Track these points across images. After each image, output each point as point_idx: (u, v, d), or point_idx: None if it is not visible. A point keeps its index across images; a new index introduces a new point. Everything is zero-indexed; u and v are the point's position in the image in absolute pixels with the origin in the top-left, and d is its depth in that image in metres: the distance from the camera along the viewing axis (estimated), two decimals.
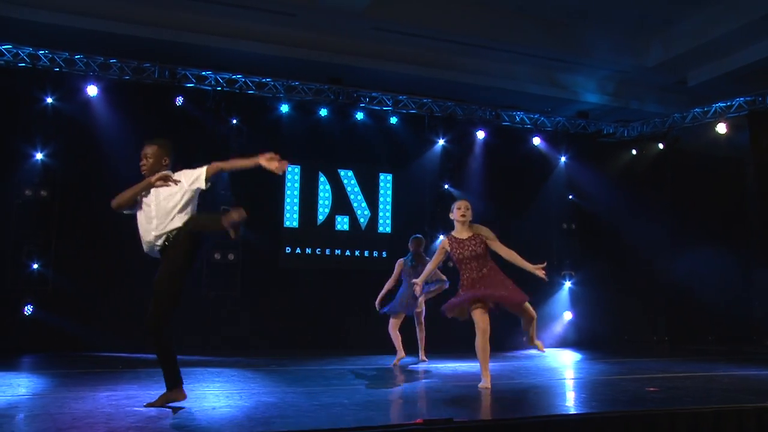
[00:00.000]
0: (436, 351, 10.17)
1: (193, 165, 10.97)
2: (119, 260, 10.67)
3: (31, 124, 10.51)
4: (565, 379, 8.60)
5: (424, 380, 7.73)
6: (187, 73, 11.20)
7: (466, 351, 9.67)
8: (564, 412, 5.73)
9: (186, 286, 5.58)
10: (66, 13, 10.06)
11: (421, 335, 9.36)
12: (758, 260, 11.88)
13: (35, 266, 10.42)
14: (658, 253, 13.02)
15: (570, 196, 13.94)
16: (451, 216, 6.94)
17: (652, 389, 6.88)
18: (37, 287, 10.40)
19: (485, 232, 6.92)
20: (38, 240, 10.48)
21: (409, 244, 9.34)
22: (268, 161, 5.48)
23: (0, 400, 5.75)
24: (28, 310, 10.28)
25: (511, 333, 12.18)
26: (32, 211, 10.50)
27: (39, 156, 10.54)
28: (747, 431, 5.24)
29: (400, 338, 9.14)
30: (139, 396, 5.96)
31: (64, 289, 10.43)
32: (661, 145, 13.58)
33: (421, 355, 9.38)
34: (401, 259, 9.28)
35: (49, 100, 10.60)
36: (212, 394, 6.31)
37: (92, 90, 10.74)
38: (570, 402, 6.54)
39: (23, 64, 10.43)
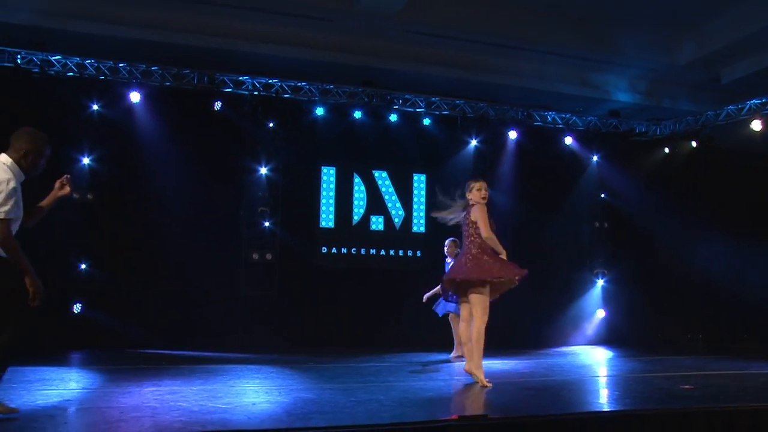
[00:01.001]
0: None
1: (231, 167, 11.18)
2: (162, 260, 10.84)
3: (79, 130, 10.74)
4: (598, 376, 8.53)
5: (458, 377, 7.72)
6: (225, 78, 11.31)
7: (502, 348, 9.69)
8: (598, 409, 5.70)
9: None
10: (110, 24, 10.26)
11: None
12: None
13: (83, 266, 10.66)
14: (692, 250, 12.79)
15: (602, 195, 13.79)
16: (471, 196, 7.31)
17: (686, 387, 6.80)
18: (84, 286, 10.63)
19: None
20: (85, 241, 10.71)
21: (445, 248, 9.44)
22: (60, 190, 5.52)
23: (53, 394, 5.90)
24: (77, 308, 10.52)
25: (542, 330, 12.17)
26: (80, 213, 10.72)
27: (86, 161, 10.78)
28: None
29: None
30: (182, 391, 6.05)
31: (110, 288, 10.61)
32: (694, 143, 13.31)
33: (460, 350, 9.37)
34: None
35: (95, 107, 10.82)
36: (252, 390, 6.38)
37: (135, 96, 10.91)
38: (603, 399, 6.49)
39: (71, 74, 10.64)
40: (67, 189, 5.44)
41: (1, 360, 4.96)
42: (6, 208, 4.82)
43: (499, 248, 6.82)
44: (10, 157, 5.16)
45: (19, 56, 10.33)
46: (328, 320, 11.43)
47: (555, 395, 6.56)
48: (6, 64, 10.27)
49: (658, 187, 13.47)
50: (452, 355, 9.50)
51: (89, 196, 10.78)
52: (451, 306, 9.16)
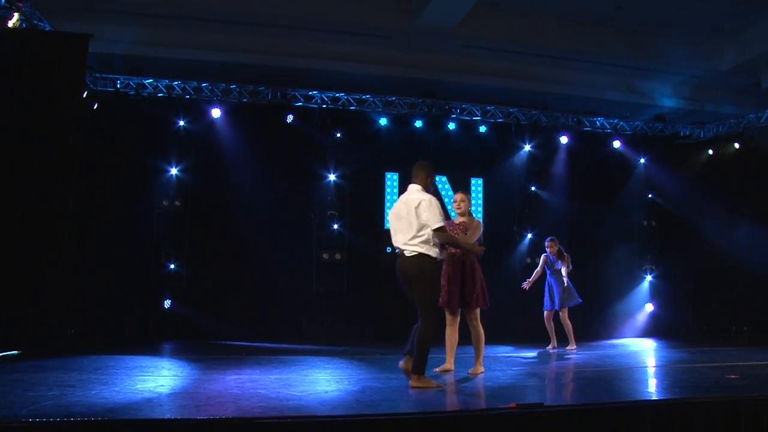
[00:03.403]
0: (525, 339, 10.05)
1: (302, 174, 11.33)
2: (241, 260, 11.07)
3: (167, 144, 11.10)
4: (647, 366, 8.31)
5: (516, 367, 7.63)
6: (296, 93, 11.47)
7: (557, 340, 9.54)
8: (648, 398, 5.56)
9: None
10: (195, 49, 10.66)
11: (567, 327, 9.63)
12: None
13: (172, 266, 10.96)
14: (735, 246, 12.38)
15: (650, 195, 13.46)
16: (455, 206, 7.03)
17: (733, 376, 6.56)
18: (173, 284, 10.93)
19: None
20: (174, 243, 11.03)
21: (547, 246, 9.46)
22: None
23: (148, 379, 6.07)
24: (167, 303, 10.81)
25: (594, 323, 11.92)
26: (169, 219, 11.07)
27: (173, 171, 11.09)
28: None
29: (553, 328, 9.60)
30: (261, 380, 6.14)
31: (195, 285, 10.91)
32: (737, 145, 12.93)
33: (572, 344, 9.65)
34: (543, 254, 9.69)
35: (181, 123, 11.14)
36: (324, 379, 6.42)
37: (216, 112, 11.18)
38: (653, 388, 6.31)
39: (161, 94, 11.00)
40: None
41: (426, 343, 5.60)
42: (441, 218, 5.73)
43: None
44: (419, 185, 6.04)
45: (118, 82, 10.77)
46: (393, 315, 11.40)
47: (607, 384, 6.42)
48: (108, 89, 10.71)
49: (703, 186, 13.10)
50: (568, 347, 9.58)
51: (177, 204, 11.08)
52: (548, 304, 9.54)
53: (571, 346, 9.60)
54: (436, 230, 5.69)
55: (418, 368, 5.59)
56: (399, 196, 11.87)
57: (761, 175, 12.41)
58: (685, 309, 12.86)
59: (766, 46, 11.09)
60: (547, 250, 9.65)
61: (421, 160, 6.26)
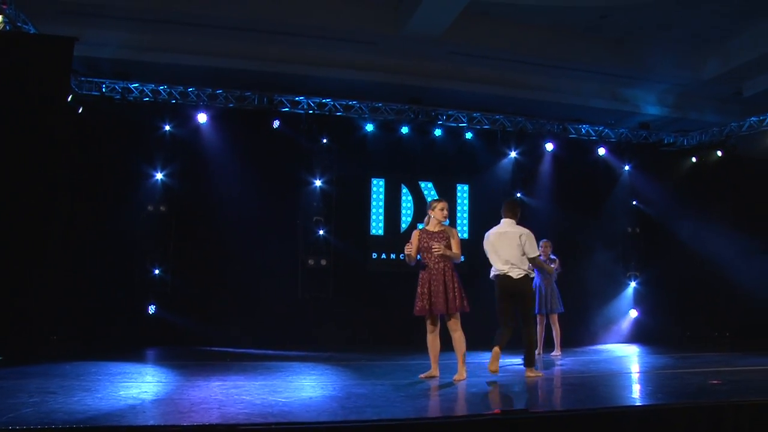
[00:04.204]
0: (509, 345, 10.06)
1: (288, 180, 11.35)
2: (227, 265, 11.03)
3: (152, 148, 11.03)
4: (631, 372, 8.36)
5: (501, 374, 7.64)
6: (283, 99, 11.45)
7: (542, 346, 9.56)
8: (632, 404, 5.59)
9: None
10: (181, 54, 10.63)
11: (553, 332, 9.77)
12: None
13: (156, 271, 10.89)
14: (718, 254, 12.52)
15: (634, 202, 13.54)
16: (435, 213, 6.87)
17: (715, 382, 6.62)
18: (158, 289, 10.86)
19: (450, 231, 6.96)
20: (158, 249, 10.96)
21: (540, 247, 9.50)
22: None
23: (132, 386, 6.02)
24: (151, 309, 10.74)
25: (579, 329, 11.98)
26: (153, 224, 11.00)
27: (159, 176, 11.03)
28: None
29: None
30: (246, 386, 6.12)
31: (180, 291, 10.85)
32: (719, 153, 13.10)
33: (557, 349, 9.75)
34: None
35: (167, 127, 11.09)
36: (309, 385, 6.41)
37: (202, 117, 11.14)
38: (637, 394, 6.35)
39: (147, 99, 10.95)
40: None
41: (533, 343, 7.27)
42: (537, 248, 7.31)
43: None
44: (513, 219, 7.29)
45: (103, 86, 10.72)
46: (378, 321, 11.43)
47: (591, 390, 6.44)
48: (93, 93, 10.65)
49: (686, 194, 13.26)
50: (554, 353, 9.65)
51: (162, 208, 11.03)
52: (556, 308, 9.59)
53: (557, 352, 9.64)
54: (532, 258, 7.17)
55: (531, 362, 7.18)
56: (384, 201, 11.93)
57: (743, 182, 12.58)
58: (669, 315, 12.97)
59: (748, 56, 11.26)
60: (540, 251, 9.65)
61: (513, 198, 8.10)
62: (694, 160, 13.59)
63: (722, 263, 12.56)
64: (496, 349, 6.87)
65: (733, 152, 12.85)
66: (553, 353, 9.61)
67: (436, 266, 6.71)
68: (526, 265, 7.12)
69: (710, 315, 13.06)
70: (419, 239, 6.80)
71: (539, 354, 9.54)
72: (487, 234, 7.35)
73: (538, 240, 9.25)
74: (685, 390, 6.22)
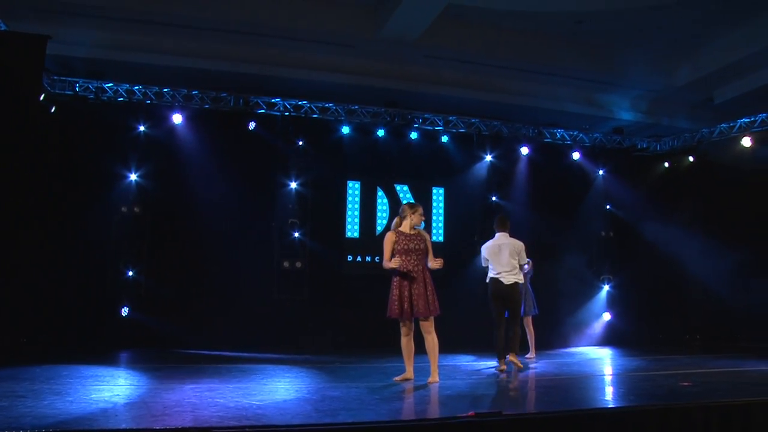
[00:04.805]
0: (484, 349, 10.12)
1: (264, 182, 11.30)
2: (201, 267, 10.96)
3: (127, 149, 10.91)
4: (604, 375, 8.45)
5: (475, 377, 7.69)
6: (259, 100, 11.41)
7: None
8: (604, 406, 5.65)
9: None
10: (157, 54, 10.53)
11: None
12: None
13: (130, 273, 10.76)
14: (690, 258, 12.74)
15: (607, 206, 13.70)
16: (414, 218, 6.91)
17: (686, 384, 6.73)
18: (131, 291, 10.74)
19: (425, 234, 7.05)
20: (133, 250, 10.84)
21: None
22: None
23: (104, 389, 5.96)
24: (125, 311, 10.61)
25: (553, 332, 12.08)
26: (127, 225, 10.88)
27: (133, 177, 10.92)
28: None
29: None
30: (219, 389, 6.09)
31: (154, 293, 10.73)
32: (691, 158, 13.30)
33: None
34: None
35: (142, 128, 10.97)
36: (283, 388, 6.40)
37: (177, 118, 11.04)
38: (610, 396, 6.42)
39: (121, 99, 10.83)
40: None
41: (518, 336, 8.28)
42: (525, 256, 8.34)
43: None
44: (507, 233, 8.35)
45: (77, 85, 10.58)
46: (354, 323, 11.41)
47: (565, 393, 6.51)
48: (67, 92, 10.51)
49: (658, 198, 13.44)
50: (528, 355, 9.70)
51: (136, 209, 10.91)
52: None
53: (531, 354, 9.71)
54: (521, 265, 8.32)
55: (515, 350, 8.19)
56: (360, 204, 11.89)
57: (714, 188, 12.77)
58: (641, 318, 13.12)
59: (719, 64, 11.46)
60: None
61: (503, 214, 9.02)
62: (666, 165, 13.79)
63: (693, 267, 12.77)
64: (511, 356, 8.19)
65: (704, 158, 13.04)
66: (528, 356, 9.67)
67: (417, 269, 6.73)
68: (519, 272, 8.18)
69: (682, 318, 13.26)
70: (397, 241, 6.79)
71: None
72: (485, 246, 8.39)
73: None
74: (657, 392, 6.31)
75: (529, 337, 9.80)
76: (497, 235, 8.35)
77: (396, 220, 7.02)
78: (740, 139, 12.07)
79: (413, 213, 6.93)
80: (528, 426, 4.57)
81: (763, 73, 11.44)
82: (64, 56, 10.20)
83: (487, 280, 8.31)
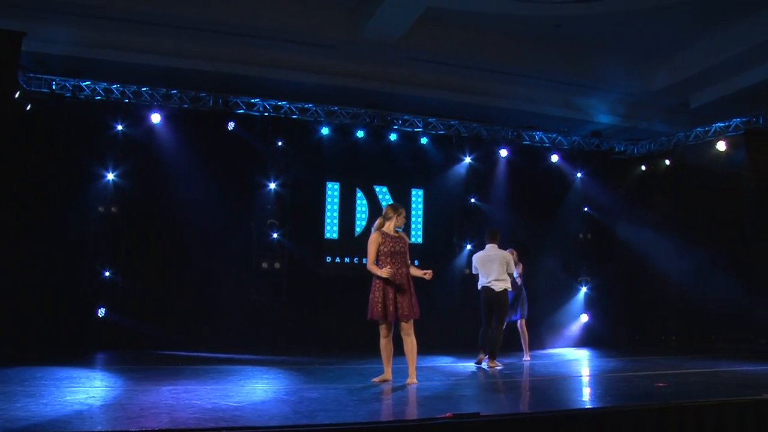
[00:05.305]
0: (464, 350, 10.16)
1: (243, 182, 11.24)
2: (179, 268, 10.89)
3: (104, 148, 10.79)
4: (582, 376, 8.52)
5: (453, 378, 7.72)
6: (238, 100, 11.36)
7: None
8: (582, 407, 5.70)
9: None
10: (135, 53, 10.40)
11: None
12: (756, 266, 11.72)
13: (107, 273, 10.65)
14: (666, 260, 12.89)
15: (585, 209, 13.83)
16: (398, 220, 6.92)
17: (661, 384, 6.80)
18: (108, 292, 10.62)
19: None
20: (110, 250, 10.73)
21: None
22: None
23: (79, 391, 5.89)
24: (101, 312, 10.50)
25: (531, 333, 12.15)
26: (104, 225, 10.77)
27: (110, 176, 10.81)
28: (746, 421, 5.18)
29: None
30: (196, 390, 6.05)
31: (131, 293, 10.64)
32: (667, 162, 13.47)
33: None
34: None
35: (120, 127, 10.87)
36: (261, 389, 6.37)
37: (156, 118, 10.95)
38: (587, 397, 6.48)
39: (99, 97, 10.71)
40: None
41: (500, 339, 8.86)
42: (513, 265, 9.05)
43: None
44: (496, 245, 9.01)
45: (54, 83, 10.45)
46: (332, 324, 11.39)
47: (542, 394, 6.55)
48: (43, 90, 10.37)
49: (635, 201, 13.58)
50: (524, 358, 9.78)
51: (113, 209, 10.81)
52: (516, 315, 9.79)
53: (526, 357, 9.77)
54: (510, 273, 8.97)
55: (494, 355, 8.72)
56: (339, 205, 11.88)
57: (689, 191, 12.95)
58: (618, 319, 13.27)
59: (695, 69, 11.61)
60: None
61: (494, 228, 9.37)
62: (643, 168, 13.95)
63: (669, 269, 12.92)
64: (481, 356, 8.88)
65: (680, 161, 13.22)
66: (524, 358, 9.75)
67: (400, 271, 6.73)
68: (507, 280, 8.85)
69: (658, 319, 13.43)
70: (383, 243, 6.77)
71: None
72: (475, 256, 9.15)
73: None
74: (633, 393, 6.38)
75: (523, 339, 9.85)
76: (487, 246, 9.01)
77: (379, 220, 6.98)
78: (715, 143, 12.27)
79: (398, 215, 6.92)
80: (505, 427, 4.60)
81: (737, 79, 11.62)
82: (41, 53, 10.06)
83: (479, 287, 8.96)
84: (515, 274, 9.57)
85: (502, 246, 9.18)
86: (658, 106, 13.22)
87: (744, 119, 11.84)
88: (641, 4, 10.03)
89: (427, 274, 6.80)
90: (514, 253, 9.83)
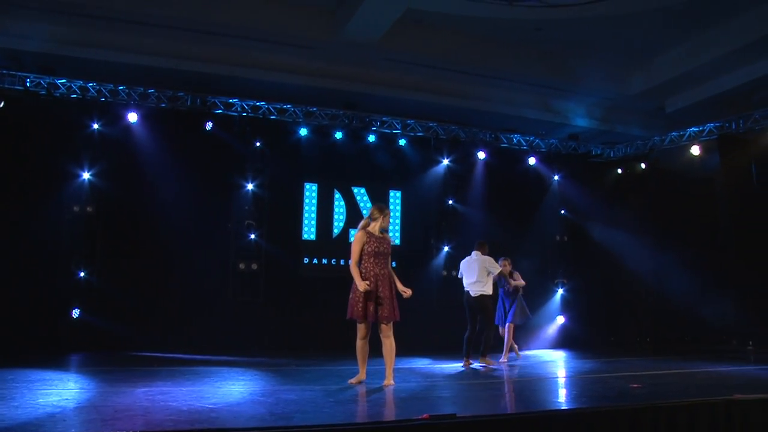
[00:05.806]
0: (441, 352, 10.20)
1: (220, 183, 11.17)
2: (155, 269, 10.80)
3: (80, 147, 10.69)
4: (558, 377, 8.59)
5: (430, 379, 7.74)
6: (216, 101, 11.30)
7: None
8: (557, 408, 5.74)
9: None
10: (112, 51, 10.28)
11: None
12: (729, 268, 11.92)
13: (82, 274, 10.54)
14: (641, 262, 13.07)
15: (562, 211, 13.95)
16: (384, 221, 6.88)
17: (636, 386, 6.88)
18: (83, 293, 10.51)
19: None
20: (85, 251, 10.62)
21: (500, 264, 9.55)
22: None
23: (52, 393, 5.82)
24: (76, 313, 10.38)
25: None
26: (79, 225, 10.66)
27: (86, 176, 10.70)
28: (718, 421, 5.26)
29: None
30: (172, 392, 6.00)
31: (107, 294, 10.52)
32: (643, 165, 13.66)
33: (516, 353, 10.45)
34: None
35: (96, 126, 10.76)
36: (237, 391, 6.34)
37: (133, 117, 10.86)
38: (563, 398, 6.53)
39: (75, 96, 10.58)
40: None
41: (490, 339, 9.22)
42: (497, 266, 9.35)
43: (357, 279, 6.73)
44: (480, 252, 9.25)
45: (28, 80, 10.31)
46: (309, 326, 11.38)
47: (518, 395, 6.60)
48: (17, 87, 10.23)
49: (612, 204, 13.73)
50: (501, 359, 9.74)
51: (89, 209, 10.70)
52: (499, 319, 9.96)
53: (503, 359, 9.77)
54: (498, 274, 9.42)
55: (485, 354, 9.12)
56: (317, 206, 11.88)
57: (664, 194, 13.13)
58: (594, 321, 13.39)
59: (670, 74, 11.80)
60: (501, 267, 9.80)
61: (483, 240, 9.49)
62: (619, 171, 14.13)
63: (644, 271, 13.09)
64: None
65: (655, 165, 13.41)
66: (500, 359, 9.76)
67: (383, 272, 6.72)
68: (488, 285, 9.16)
69: (633, 321, 13.58)
70: (367, 242, 6.74)
71: (518, 356, 10.30)
72: (463, 261, 9.41)
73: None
74: (608, 394, 6.44)
75: (505, 342, 9.88)
76: (473, 252, 9.32)
77: (364, 220, 6.94)
78: (689, 148, 12.47)
79: (383, 216, 6.88)
80: (482, 428, 4.62)
81: (711, 84, 11.83)
82: (13, 50, 9.93)
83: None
84: (503, 281, 9.76)
85: (495, 258, 9.44)
86: (634, 110, 13.40)
87: (717, 124, 12.06)
88: (619, 9, 10.15)
89: (405, 293, 6.78)
90: (508, 262, 9.90)
